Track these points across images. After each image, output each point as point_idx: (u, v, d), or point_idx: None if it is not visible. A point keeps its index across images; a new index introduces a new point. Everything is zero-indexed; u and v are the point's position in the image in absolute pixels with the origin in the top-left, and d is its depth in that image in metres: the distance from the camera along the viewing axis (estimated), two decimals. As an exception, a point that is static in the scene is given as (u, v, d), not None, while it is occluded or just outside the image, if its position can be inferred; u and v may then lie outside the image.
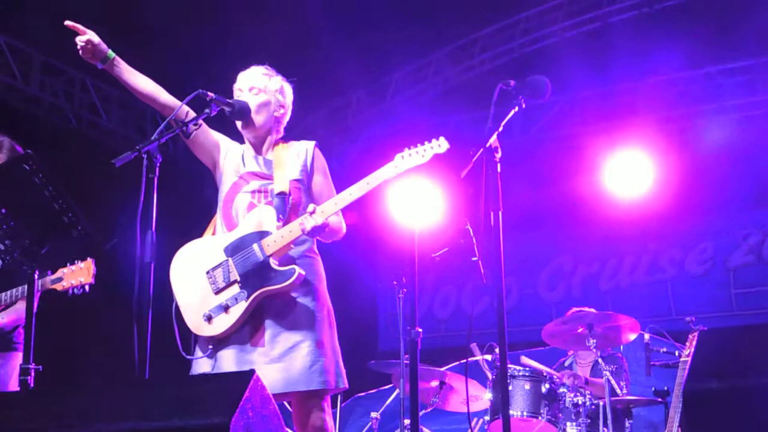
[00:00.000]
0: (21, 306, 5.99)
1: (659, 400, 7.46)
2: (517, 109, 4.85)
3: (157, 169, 4.52)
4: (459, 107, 12.43)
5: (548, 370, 7.68)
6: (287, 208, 5.04)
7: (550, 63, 11.61)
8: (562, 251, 12.92)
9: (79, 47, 5.09)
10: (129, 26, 9.50)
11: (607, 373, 7.25)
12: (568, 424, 7.28)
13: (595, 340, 7.44)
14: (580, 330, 7.59)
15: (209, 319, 4.98)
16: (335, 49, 10.65)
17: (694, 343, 7.25)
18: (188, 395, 3.67)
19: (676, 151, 11.43)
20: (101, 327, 8.69)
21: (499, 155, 4.74)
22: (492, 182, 4.70)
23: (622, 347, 8.40)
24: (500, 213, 4.66)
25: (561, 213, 12.41)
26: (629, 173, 11.51)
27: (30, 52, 11.01)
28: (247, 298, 4.93)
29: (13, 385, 5.97)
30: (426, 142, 4.95)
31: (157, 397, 3.73)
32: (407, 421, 7.04)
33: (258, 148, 5.26)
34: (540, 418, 7.22)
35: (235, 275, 4.99)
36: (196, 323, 5.03)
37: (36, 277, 4.71)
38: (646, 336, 7.57)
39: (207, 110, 4.94)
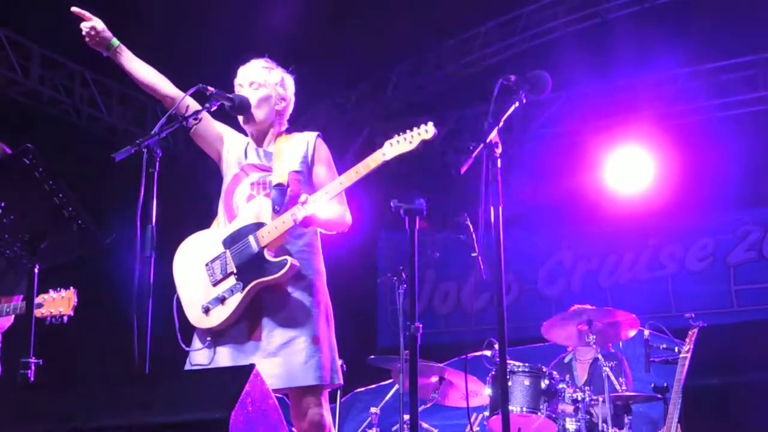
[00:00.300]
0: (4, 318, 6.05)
1: (659, 396, 7.45)
2: (517, 104, 4.85)
3: (158, 163, 4.52)
4: (459, 102, 12.42)
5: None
6: (285, 199, 5.04)
7: (550, 59, 11.58)
8: (561, 247, 12.90)
9: (83, 33, 5.10)
10: (129, 17, 9.49)
11: (607, 369, 7.25)
12: (568, 419, 7.28)
13: (594, 336, 7.44)
14: (579, 326, 7.60)
15: (207, 311, 4.99)
16: (335, 43, 10.64)
17: (694, 339, 7.25)
18: (188, 390, 3.68)
19: (677, 147, 11.42)
20: (101, 321, 8.68)
21: (499, 151, 4.73)
22: (492, 178, 4.69)
23: (621, 344, 8.40)
24: (500, 208, 4.66)
25: (561, 209, 12.40)
26: (630, 169, 11.52)
27: (30, 46, 10.99)
28: (243, 289, 4.94)
29: None
30: (414, 128, 4.92)
31: (158, 392, 3.74)
32: (406, 417, 7.04)
33: (260, 141, 5.26)
34: (539, 413, 7.22)
35: (232, 267, 5.00)
36: (195, 316, 5.04)
37: (36, 272, 4.71)
38: (646, 332, 7.57)
39: (207, 105, 4.94)
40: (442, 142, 11.96)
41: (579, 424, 7.23)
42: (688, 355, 7.18)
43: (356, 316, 11.41)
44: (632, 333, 7.69)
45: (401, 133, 4.91)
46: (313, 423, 4.94)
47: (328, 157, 5.26)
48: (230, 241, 5.03)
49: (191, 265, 5.13)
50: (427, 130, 4.91)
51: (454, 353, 8.86)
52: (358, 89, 12.79)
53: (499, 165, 4.71)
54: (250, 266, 4.95)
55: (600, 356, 7.42)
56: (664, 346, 7.56)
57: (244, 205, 5.11)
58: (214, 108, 4.98)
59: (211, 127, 5.29)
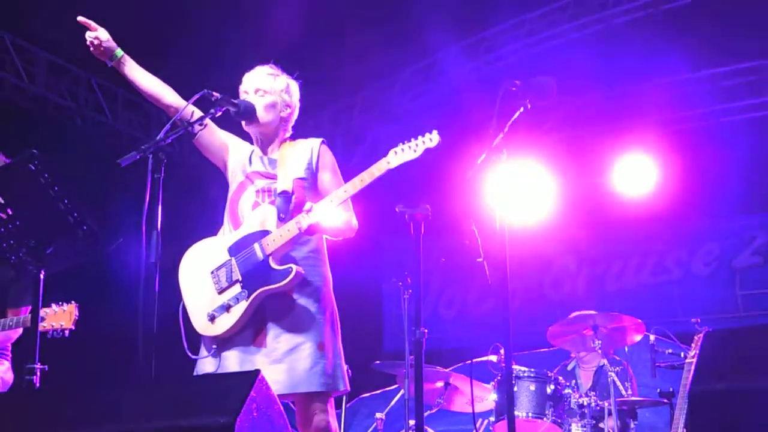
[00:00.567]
0: (7, 333, 6.12)
1: (664, 401, 7.45)
2: (522, 109, 4.85)
3: (163, 169, 4.53)
4: (464, 107, 12.41)
5: None
6: (290, 206, 5.04)
7: (555, 64, 11.58)
8: (567, 252, 12.89)
9: (88, 43, 5.11)
10: (135, 26, 9.50)
11: (612, 374, 7.24)
12: (573, 425, 7.27)
13: (600, 341, 7.43)
14: (585, 331, 7.59)
15: (212, 319, 5.00)
16: (340, 49, 10.65)
17: (700, 344, 7.23)
18: (194, 395, 3.68)
19: (682, 152, 11.40)
20: (106, 326, 8.68)
21: (504, 156, 4.73)
22: (496, 183, 4.70)
23: (627, 349, 8.39)
24: (505, 213, 4.66)
25: (567, 214, 12.39)
26: (635, 174, 11.50)
27: (35, 52, 11.01)
28: (248, 297, 4.94)
29: None
30: (419, 137, 4.92)
31: (163, 397, 3.74)
32: (412, 422, 7.03)
33: (265, 148, 5.27)
34: (545, 419, 7.21)
35: (237, 275, 5.00)
36: (201, 323, 5.05)
37: (42, 277, 4.71)
38: (652, 337, 7.55)
39: (212, 110, 4.94)
40: (449, 147, 11.95)
41: (585, 429, 7.22)
42: (694, 360, 7.17)
43: (362, 322, 11.40)
44: (638, 338, 7.68)
45: (405, 142, 4.91)
46: (318, 429, 4.94)
47: (333, 163, 5.26)
48: (236, 249, 5.04)
49: (197, 273, 5.14)
50: (431, 139, 4.90)
51: (460, 358, 8.85)
52: (363, 95, 12.80)
53: (503, 170, 4.71)
54: (255, 274, 4.96)
55: (605, 362, 7.41)
56: (670, 351, 7.55)
57: (249, 212, 5.11)
58: (220, 114, 4.98)
59: (216, 135, 5.30)
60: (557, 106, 12.04)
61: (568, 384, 7.43)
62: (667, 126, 11.69)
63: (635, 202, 11.57)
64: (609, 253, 12.60)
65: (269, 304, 4.97)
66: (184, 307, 5.11)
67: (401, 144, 4.91)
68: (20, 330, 6.13)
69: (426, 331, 5.64)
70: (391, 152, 4.91)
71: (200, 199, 10.63)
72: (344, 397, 8.18)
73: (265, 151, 5.26)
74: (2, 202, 4.57)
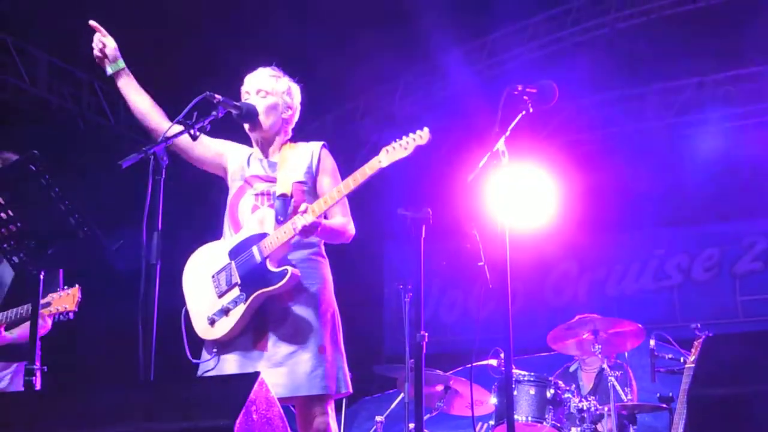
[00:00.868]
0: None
1: (664, 406, 7.44)
2: (524, 113, 4.85)
3: (164, 170, 4.53)
4: (467, 111, 12.41)
5: None
6: (288, 210, 5.04)
7: (557, 68, 11.59)
8: (568, 256, 12.90)
9: (94, 46, 5.12)
10: (138, 27, 9.51)
11: (612, 379, 7.24)
12: (573, 429, 7.26)
13: (600, 346, 7.43)
14: (585, 335, 7.59)
15: (213, 322, 5.00)
16: (343, 53, 10.66)
17: (700, 349, 7.23)
18: (193, 397, 3.68)
19: (684, 157, 11.41)
20: (106, 328, 8.69)
21: (506, 159, 4.73)
22: (497, 186, 4.70)
23: (627, 354, 8.38)
24: (507, 217, 4.66)
25: (568, 217, 12.39)
26: (635, 178, 11.49)
27: (38, 54, 11.02)
28: (246, 300, 4.94)
29: None
30: (410, 134, 4.89)
31: (162, 399, 3.74)
32: (412, 425, 7.03)
33: (265, 150, 5.27)
34: (544, 423, 7.20)
35: (236, 278, 5.00)
36: (201, 327, 5.05)
37: (41, 278, 4.72)
38: (652, 342, 7.55)
39: (214, 113, 4.93)
40: (450, 150, 11.96)
41: (584, 433, 7.22)
42: (694, 365, 7.16)
43: (362, 325, 11.40)
44: (638, 343, 7.68)
45: (397, 140, 4.89)
46: (320, 429, 4.94)
47: (333, 168, 5.25)
48: (235, 252, 5.04)
49: (199, 278, 5.14)
50: (421, 136, 4.86)
51: (460, 362, 8.84)
52: (366, 99, 12.81)
53: (504, 174, 4.72)
54: (253, 277, 4.96)
55: (606, 366, 7.41)
56: (670, 356, 7.55)
57: (249, 216, 5.11)
58: (222, 116, 4.98)
59: (209, 148, 5.31)
60: (559, 110, 12.05)
61: (568, 388, 7.42)
62: (669, 130, 11.69)
63: (636, 207, 11.57)
64: (610, 258, 12.61)
65: (270, 308, 4.97)
66: (186, 312, 5.12)
67: (393, 142, 4.88)
68: (49, 325, 6.18)
69: (426, 334, 5.64)
70: (383, 151, 4.88)
71: (201, 201, 10.64)
72: (344, 400, 8.18)
73: (265, 154, 5.27)
74: (3, 203, 4.57)
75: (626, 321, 7.59)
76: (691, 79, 11.73)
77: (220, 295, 5.03)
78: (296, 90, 5.35)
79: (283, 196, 5.05)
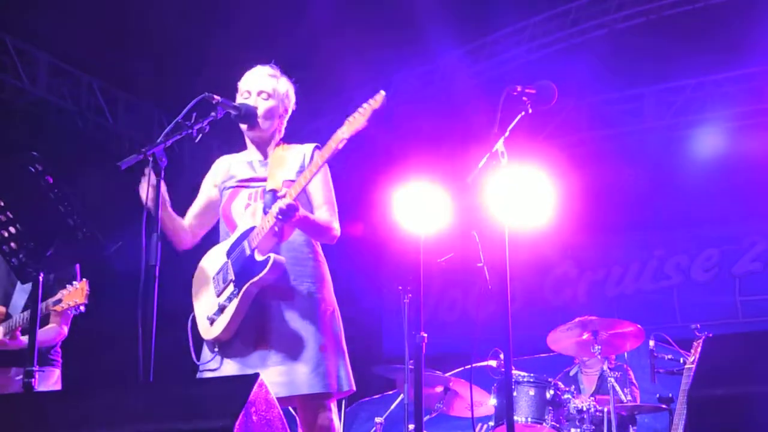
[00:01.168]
0: (51, 327, 6.23)
1: (664, 406, 7.44)
2: (523, 114, 4.85)
3: (163, 171, 4.52)
4: (466, 111, 12.42)
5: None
6: None
7: (557, 69, 11.59)
8: (567, 257, 12.90)
9: (145, 188, 4.99)
10: (133, 28, 9.52)
11: (612, 380, 7.24)
12: (573, 430, 7.26)
13: (599, 347, 7.43)
14: (584, 336, 7.59)
15: (212, 322, 5.01)
16: (340, 52, 10.65)
17: (699, 350, 7.23)
18: (192, 398, 3.67)
19: (683, 158, 11.42)
20: (105, 329, 8.69)
21: (505, 160, 4.73)
22: (497, 187, 4.70)
23: (626, 355, 8.39)
24: (506, 218, 4.66)
25: (568, 218, 12.40)
26: (634, 180, 11.49)
27: (36, 54, 11.02)
28: (237, 294, 4.94)
29: None
30: (369, 100, 4.87)
31: (161, 400, 3.73)
32: (411, 427, 7.03)
33: (260, 150, 5.26)
34: (544, 424, 7.20)
35: (231, 275, 5.01)
36: (203, 328, 5.07)
37: (41, 280, 4.72)
38: (651, 343, 7.55)
39: (213, 113, 4.92)
40: (448, 152, 11.96)
41: (584, 434, 7.22)
42: (694, 365, 7.16)
43: (361, 326, 11.40)
44: (638, 343, 7.68)
45: (357, 109, 4.89)
46: (323, 428, 4.93)
47: (325, 171, 5.24)
48: (231, 250, 5.06)
49: (203, 281, 5.17)
50: (376, 99, 4.86)
51: (460, 363, 8.85)
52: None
53: (504, 174, 4.71)
54: (243, 270, 4.96)
55: (606, 367, 7.41)
56: (670, 356, 7.55)
57: (243, 212, 5.13)
58: (221, 117, 4.98)
59: (203, 204, 5.33)
60: (558, 110, 12.05)
61: (567, 389, 7.42)
62: (666, 131, 11.70)
63: (635, 207, 11.57)
64: (609, 258, 12.61)
65: (270, 306, 4.96)
66: (193, 317, 5.13)
67: (354, 113, 4.88)
68: (63, 331, 6.29)
69: (426, 335, 5.64)
70: (346, 122, 4.87)
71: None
72: (344, 401, 8.18)
73: (260, 153, 5.27)
74: (2, 204, 4.57)
75: (626, 322, 7.59)
76: (689, 80, 11.73)
77: (218, 295, 5.05)
78: (292, 89, 5.35)
79: (273, 191, 5.03)
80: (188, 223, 5.28)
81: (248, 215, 5.07)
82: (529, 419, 7.20)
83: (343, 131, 4.85)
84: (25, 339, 6.09)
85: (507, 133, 4.76)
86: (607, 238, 12.51)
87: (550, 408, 7.24)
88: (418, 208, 8.81)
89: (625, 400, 7.46)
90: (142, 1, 9.81)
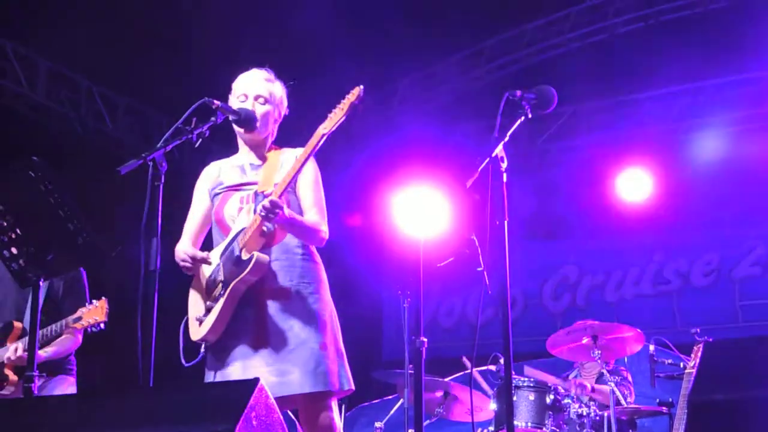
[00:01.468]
0: (66, 337, 6.23)
1: (664, 411, 7.44)
2: (523, 118, 4.85)
3: (163, 176, 4.53)
4: (465, 116, 12.43)
5: (554, 380, 7.65)
6: None
7: (556, 74, 11.60)
8: (567, 262, 12.91)
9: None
10: (133, 33, 9.53)
11: (612, 384, 7.24)
12: (573, 434, 7.27)
13: (599, 351, 7.43)
14: (584, 341, 7.58)
15: (200, 323, 5.03)
16: (340, 56, 10.66)
17: (699, 354, 7.24)
18: (192, 403, 3.67)
19: (682, 162, 11.43)
20: (106, 334, 8.69)
21: (505, 165, 4.73)
22: (497, 192, 4.69)
23: (626, 359, 8.39)
24: (506, 223, 4.66)
25: (566, 223, 12.41)
26: (635, 184, 11.50)
27: (36, 59, 11.02)
28: (224, 294, 4.95)
29: None
30: (347, 95, 4.92)
31: (162, 405, 3.73)
32: (411, 431, 7.03)
33: (255, 153, 5.27)
34: (544, 428, 7.20)
35: (221, 275, 5.03)
36: (194, 330, 5.08)
37: (41, 285, 4.72)
38: (651, 347, 7.56)
39: (213, 118, 4.93)
40: (447, 156, 11.97)
41: (584, 438, 7.23)
42: (694, 370, 7.17)
43: (361, 330, 11.40)
44: (637, 348, 7.68)
45: (337, 105, 4.94)
46: (324, 427, 4.93)
47: (315, 174, 5.24)
48: (223, 252, 5.07)
49: (197, 284, 5.18)
50: (353, 93, 4.90)
51: (459, 368, 8.85)
52: (363, 104, 12.80)
53: (504, 179, 4.72)
54: (232, 270, 4.97)
55: (605, 371, 7.41)
56: (670, 361, 7.55)
57: (236, 215, 5.13)
58: (220, 121, 4.98)
59: (203, 209, 5.33)
60: (557, 115, 12.07)
61: (567, 393, 7.42)
62: (667, 136, 11.70)
63: (635, 211, 11.57)
64: (609, 263, 12.61)
65: (268, 307, 4.97)
66: (186, 321, 5.14)
67: (333, 109, 4.93)
68: (78, 340, 6.34)
69: (426, 339, 5.65)
70: (327, 118, 4.91)
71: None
72: (344, 406, 8.19)
73: (254, 156, 5.27)
74: (2, 209, 4.57)
75: (625, 326, 7.59)
76: (689, 85, 11.74)
77: (208, 296, 5.06)
78: (285, 94, 5.36)
79: (263, 193, 5.03)
80: (194, 242, 5.27)
81: (242, 220, 5.08)
82: (529, 424, 7.20)
83: (324, 126, 4.91)
84: (45, 353, 6.13)
85: (507, 138, 4.76)
86: (606, 243, 12.51)
87: (550, 413, 7.24)
88: (418, 213, 8.83)
89: (625, 404, 7.46)
90: (143, 6, 9.83)
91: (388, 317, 13.20)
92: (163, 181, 4.53)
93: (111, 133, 11.81)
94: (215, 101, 4.93)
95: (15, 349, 6.03)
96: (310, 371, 4.88)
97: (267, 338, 4.94)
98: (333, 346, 5.02)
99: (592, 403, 7.39)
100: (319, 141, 4.90)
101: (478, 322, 5.52)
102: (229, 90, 5.29)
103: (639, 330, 7.56)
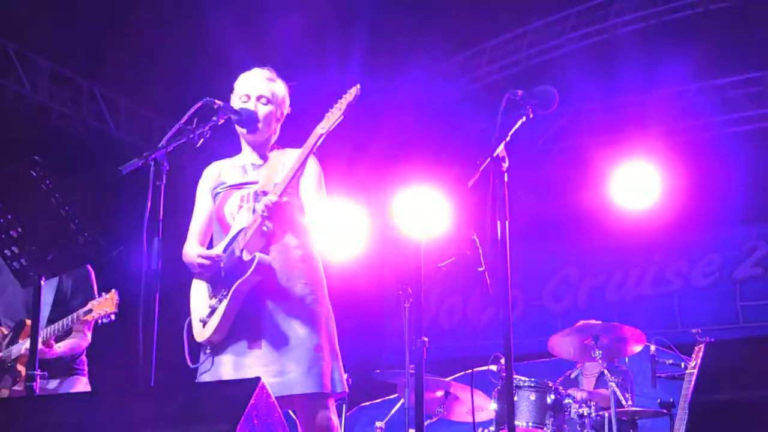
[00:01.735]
0: (76, 335, 6.34)
1: (665, 411, 7.44)
2: (524, 119, 4.85)
3: (164, 176, 4.53)
4: (466, 117, 12.43)
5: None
6: None
7: (557, 74, 11.61)
8: (568, 262, 12.91)
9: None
10: (135, 34, 9.53)
11: (613, 384, 7.24)
12: (574, 435, 7.27)
13: (600, 352, 7.43)
14: (586, 341, 7.59)
15: (204, 324, 5.02)
16: (340, 57, 10.67)
17: (701, 354, 7.23)
18: (194, 403, 3.67)
19: (683, 163, 11.41)
20: (107, 334, 8.69)
21: (506, 165, 4.74)
22: (499, 192, 4.70)
23: (627, 359, 8.39)
24: (507, 223, 4.66)
25: (567, 224, 12.40)
26: (636, 185, 11.50)
27: (38, 61, 11.03)
28: (227, 295, 4.95)
29: None
30: (345, 94, 4.93)
31: (163, 405, 3.73)
32: (412, 431, 7.03)
33: (257, 152, 5.27)
34: (545, 428, 7.20)
35: (224, 276, 5.02)
36: (197, 330, 5.09)
37: (42, 284, 4.73)
38: (652, 348, 7.55)
39: (214, 118, 4.93)
40: (449, 156, 11.98)
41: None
42: (695, 370, 7.16)
43: (362, 330, 11.40)
44: (638, 348, 7.69)
45: (335, 104, 4.95)
46: (322, 427, 4.94)
47: (318, 174, 5.24)
48: (224, 251, 5.07)
49: (199, 284, 5.17)
50: (351, 93, 4.91)
51: (460, 368, 8.85)
52: (363, 104, 12.80)
53: (505, 179, 4.72)
54: (233, 271, 4.97)
55: (606, 371, 7.41)
56: (671, 361, 7.55)
57: (236, 214, 5.14)
58: (222, 121, 4.98)
59: (207, 209, 5.32)
60: (558, 116, 12.06)
61: (568, 393, 7.43)
62: (669, 136, 11.70)
63: (636, 212, 11.57)
64: (610, 263, 12.61)
65: (264, 307, 4.97)
66: (189, 322, 5.14)
67: (331, 109, 4.94)
68: (88, 338, 6.42)
69: (426, 340, 5.65)
70: (324, 118, 4.93)
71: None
72: (344, 406, 8.19)
73: (257, 156, 5.27)
74: (3, 208, 4.57)
75: (627, 326, 7.59)
76: (689, 85, 11.74)
77: (211, 297, 5.06)
78: (287, 93, 5.36)
79: (264, 192, 5.04)
80: (201, 242, 5.27)
81: (242, 219, 5.08)
82: (530, 424, 7.20)
83: (322, 126, 4.93)
84: (59, 348, 6.14)
85: (508, 138, 4.76)
86: (607, 243, 12.51)
87: (551, 413, 7.24)
88: (418, 214, 8.84)
89: (626, 405, 7.46)
90: (144, 7, 9.83)
91: (389, 317, 13.20)
92: (164, 180, 4.53)
93: (112, 134, 11.82)
94: (217, 101, 4.93)
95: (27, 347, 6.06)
96: (303, 373, 4.88)
97: (262, 338, 4.94)
98: (328, 347, 5.02)
99: (592, 403, 7.38)
100: (317, 141, 4.91)
101: (479, 323, 5.52)
102: (230, 90, 5.29)
103: (640, 330, 7.57)
